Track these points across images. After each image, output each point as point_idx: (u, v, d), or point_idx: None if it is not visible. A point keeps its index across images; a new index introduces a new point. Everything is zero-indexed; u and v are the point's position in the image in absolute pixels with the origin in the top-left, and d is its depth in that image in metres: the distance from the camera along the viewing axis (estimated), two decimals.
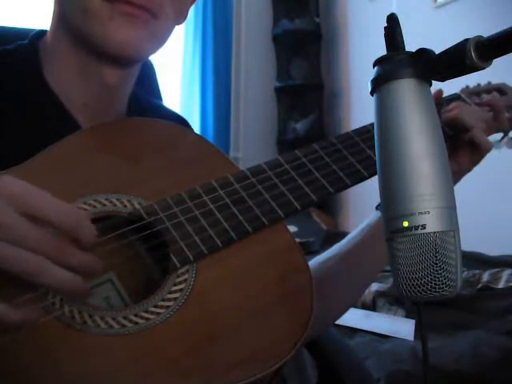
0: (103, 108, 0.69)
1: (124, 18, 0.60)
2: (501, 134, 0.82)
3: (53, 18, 0.68)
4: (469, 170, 0.75)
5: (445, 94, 0.81)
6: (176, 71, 3.32)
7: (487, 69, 0.40)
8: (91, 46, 0.63)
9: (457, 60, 0.39)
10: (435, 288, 0.39)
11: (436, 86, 0.83)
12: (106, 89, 0.67)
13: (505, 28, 0.37)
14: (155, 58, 0.98)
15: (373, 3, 3.12)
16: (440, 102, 0.79)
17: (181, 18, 0.72)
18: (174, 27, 0.69)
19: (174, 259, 0.54)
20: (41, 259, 0.42)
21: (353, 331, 1.36)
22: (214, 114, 3.37)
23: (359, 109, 3.16)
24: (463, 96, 0.81)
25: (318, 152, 0.67)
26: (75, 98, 0.67)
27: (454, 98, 0.81)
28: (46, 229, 0.43)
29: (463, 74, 0.41)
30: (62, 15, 0.66)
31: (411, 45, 0.44)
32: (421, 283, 0.39)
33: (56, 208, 0.43)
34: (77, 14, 0.62)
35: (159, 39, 0.66)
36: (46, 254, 0.42)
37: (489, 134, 0.77)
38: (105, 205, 0.56)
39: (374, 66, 0.44)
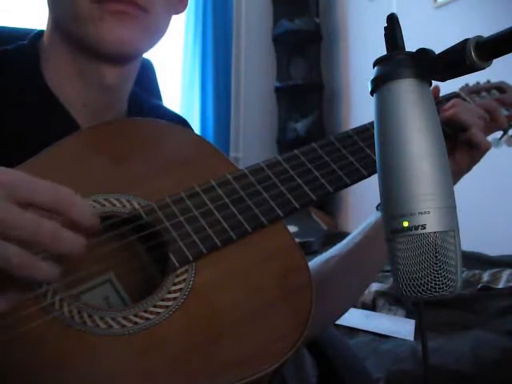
0: (103, 108, 0.69)
1: (114, 16, 0.60)
2: (501, 132, 0.82)
3: (48, 23, 0.68)
4: (468, 169, 0.74)
5: (444, 94, 0.81)
6: (176, 71, 3.32)
7: (487, 69, 0.40)
8: (87, 48, 0.63)
9: (457, 60, 0.39)
10: (435, 288, 0.39)
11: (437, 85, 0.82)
12: (105, 89, 0.67)
13: (505, 28, 0.37)
14: (155, 58, 0.98)
15: (372, 3, 3.11)
16: (439, 100, 0.78)
17: (179, 6, 0.72)
18: (170, 17, 0.69)
19: (174, 259, 0.54)
20: (24, 253, 0.40)
21: (353, 331, 1.36)
22: (214, 114, 3.37)
23: (359, 109, 3.16)
24: (462, 94, 0.81)
25: (317, 151, 0.66)
26: (75, 98, 0.67)
27: (453, 96, 0.80)
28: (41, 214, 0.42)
29: (463, 74, 0.40)
30: (55, 21, 0.67)
31: (411, 45, 0.44)
32: (421, 283, 0.39)
33: (49, 190, 0.42)
34: (68, 19, 0.62)
35: (154, 32, 0.66)
36: (31, 242, 0.41)
37: (488, 133, 0.76)
38: (104, 205, 0.56)
39: (373, 66, 0.44)
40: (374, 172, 0.49)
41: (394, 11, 0.43)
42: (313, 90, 3.54)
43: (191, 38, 3.36)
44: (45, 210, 0.42)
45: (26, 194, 0.41)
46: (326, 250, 0.78)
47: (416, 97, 0.41)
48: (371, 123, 0.70)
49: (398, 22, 0.44)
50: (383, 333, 1.34)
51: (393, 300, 1.52)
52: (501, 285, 1.60)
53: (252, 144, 3.49)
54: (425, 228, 0.39)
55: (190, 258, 0.54)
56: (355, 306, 1.47)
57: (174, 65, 3.30)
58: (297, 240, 0.61)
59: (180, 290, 0.52)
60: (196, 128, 3.21)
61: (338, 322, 1.14)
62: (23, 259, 0.40)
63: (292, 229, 2.70)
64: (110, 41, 0.61)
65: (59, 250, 0.42)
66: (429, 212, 0.39)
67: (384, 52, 0.44)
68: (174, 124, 0.71)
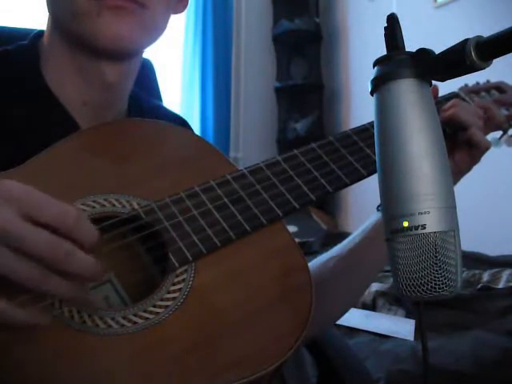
0: (103, 107, 0.69)
1: (112, 11, 0.60)
2: (500, 132, 0.82)
3: (47, 23, 0.69)
4: (468, 169, 0.74)
5: (444, 94, 0.81)
6: (176, 71, 3.32)
7: (487, 69, 0.40)
8: (85, 45, 0.63)
9: (457, 60, 0.39)
10: (435, 288, 0.39)
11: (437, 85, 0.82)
12: (106, 87, 0.67)
13: (505, 28, 0.37)
14: (155, 58, 0.98)
15: (373, 3, 3.12)
16: (438, 100, 0.78)
17: (179, 6, 0.72)
18: (169, 15, 0.69)
19: (173, 259, 0.54)
20: (38, 267, 0.41)
21: (353, 331, 1.36)
22: (214, 114, 3.37)
23: (359, 109, 3.16)
24: (462, 94, 0.81)
25: (317, 151, 0.66)
26: (75, 97, 0.67)
27: (453, 96, 0.80)
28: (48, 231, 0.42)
29: (463, 74, 0.40)
30: (54, 20, 0.67)
31: (411, 45, 0.44)
32: (421, 283, 0.39)
33: (54, 209, 0.43)
34: (67, 17, 0.62)
35: (152, 28, 0.65)
36: (44, 260, 0.41)
37: (487, 133, 0.76)
38: (104, 205, 0.56)
39: (373, 66, 0.44)
40: (374, 172, 0.49)
41: (394, 11, 0.43)
42: (313, 90, 3.54)
43: (191, 37, 3.36)
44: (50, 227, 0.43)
45: (35, 212, 0.42)
46: (326, 250, 0.78)
47: (416, 97, 0.41)
48: (371, 123, 0.70)
49: (398, 22, 0.44)
50: (383, 333, 1.34)
51: (393, 300, 1.52)
52: (501, 285, 1.60)
53: (252, 144, 3.49)
54: (425, 228, 0.39)
55: (190, 258, 0.54)
56: (355, 306, 1.47)
57: (174, 65, 3.30)
58: (297, 240, 0.61)
59: (179, 289, 0.52)
60: (196, 128, 3.21)
61: (338, 322, 1.13)
62: (36, 275, 0.41)
63: (292, 229, 2.70)
64: (108, 36, 0.60)
65: (71, 268, 0.42)
66: (429, 212, 0.39)
67: (384, 52, 0.44)
68: (173, 124, 0.71)
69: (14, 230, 0.40)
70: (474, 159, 0.74)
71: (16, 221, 0.40)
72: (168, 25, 0.69)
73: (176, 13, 0.72)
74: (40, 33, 0.71)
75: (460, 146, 0.73)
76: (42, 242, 0.41)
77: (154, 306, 0.51)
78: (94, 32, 0.61)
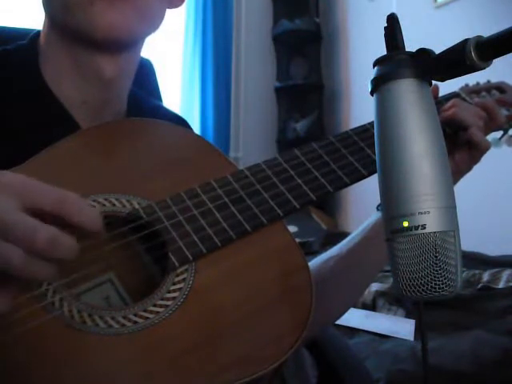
0: (102, 106, 0.69)
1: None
2: (501, 132, 0.82)
3: (44, 23, 0.69)
4: (468, 169, 0.74)
5: (444, 94, 0.81)
6: (176, 71, 3.32)
7: (487, 69, 0.40)
8: (81, 38, 0.63)
9: (457, 60, 0.39)
10: (435, 288, 0.39)
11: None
12: (103, 83, 0.67)
13: (505, 28, 0.37)
14: (155, 58, 0.98)
15: (373, 3, 3.12)
16: (438, 100, 0.78)
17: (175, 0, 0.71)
18: (164, 8, 0.68)
19: (173, 259, 0.54)
20: (25, 255, 0.40)
21: (353, 331, 1.37)
22: (214, 114, 3.37)
23: (359, 109, 3.16)
24: (462, 94, 0.81)
25: (317, 151, 0.67)
26: (74, 96, 0.67)
27: (453, 96, 0.80)
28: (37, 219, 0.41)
29: (463, 74, 0.41)
30: (50, 17, 0.67)
31: (411, 45, 0.44)
32: (421, 283, 0.39)
33: (52, 196, 0.42)
34: (61, 10, 0.62)
35: (146, 18, 0.65)
36: (28, 249, 0.40)
37: (487, 133, 0.76)
38: (104, 205, 0.56)
39: (373, 66, 0.44)
40: (374, 172, 0.49)
41: (394, 11, 0.43)
42: (313, 90, 3.54)
43: (191, 37, 3.36)
44: (51, 215, 0.42)
45: (32, 199, 0.41)
46: (325, 250, 0.78)
47: (416, 97, 0.41)
48: (371, 123, 0.70)
49: (398, 22, 0.44)
50: (383, 333, 1.34)
51: (393, 300, 1.52)
52: (501, 285, 1.60)
53: (252, 144, 3.49)
54: (425, 228, 0.39)
55: (190, 257, 0.55)
56: (355, 306, 1.47)
57: (174, 65, 3.30)
58: (297, 240, 0.61)
59: (180, 289, 0.52)
60: (196, 128, 3.21)
61: (337, 322, 1.14)
62: (24, 261, 0.40)
63: (292, 229, 2.70)
64: (102, 25, 0.60)
65: (54, 256, 0.41)
66: (429, 212, 0.39)
67: (384, 52, 0.44)
68: (173, 124, 0.71)
69: (12, 223, 0.39)
70: (474, 159, 0.74)
71: (15, 213, 0.40)
72: (166, 20, 0.69)
73: (172, 7, 0.71)
74: (39, 32, 0.71)
75: (460, 146, 0.73)
76: (25, 225, 0.40)
77: (155, 306, 0.51)
78: (88, 22, 0.60)
